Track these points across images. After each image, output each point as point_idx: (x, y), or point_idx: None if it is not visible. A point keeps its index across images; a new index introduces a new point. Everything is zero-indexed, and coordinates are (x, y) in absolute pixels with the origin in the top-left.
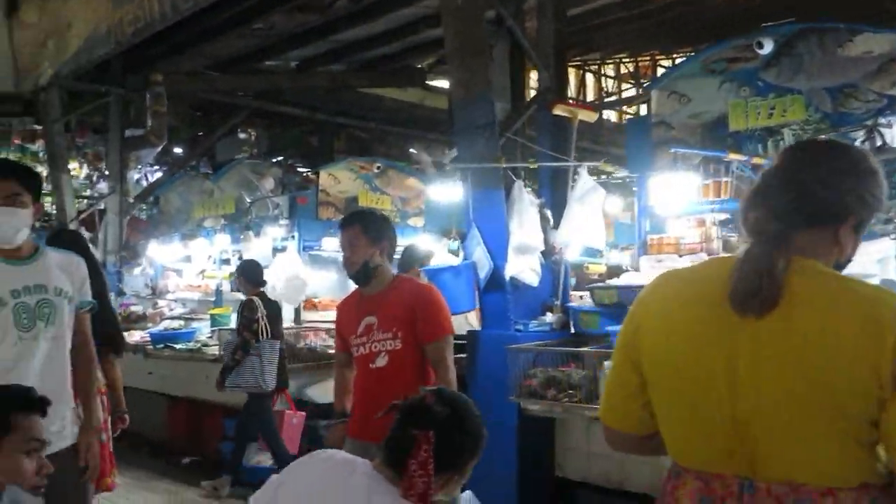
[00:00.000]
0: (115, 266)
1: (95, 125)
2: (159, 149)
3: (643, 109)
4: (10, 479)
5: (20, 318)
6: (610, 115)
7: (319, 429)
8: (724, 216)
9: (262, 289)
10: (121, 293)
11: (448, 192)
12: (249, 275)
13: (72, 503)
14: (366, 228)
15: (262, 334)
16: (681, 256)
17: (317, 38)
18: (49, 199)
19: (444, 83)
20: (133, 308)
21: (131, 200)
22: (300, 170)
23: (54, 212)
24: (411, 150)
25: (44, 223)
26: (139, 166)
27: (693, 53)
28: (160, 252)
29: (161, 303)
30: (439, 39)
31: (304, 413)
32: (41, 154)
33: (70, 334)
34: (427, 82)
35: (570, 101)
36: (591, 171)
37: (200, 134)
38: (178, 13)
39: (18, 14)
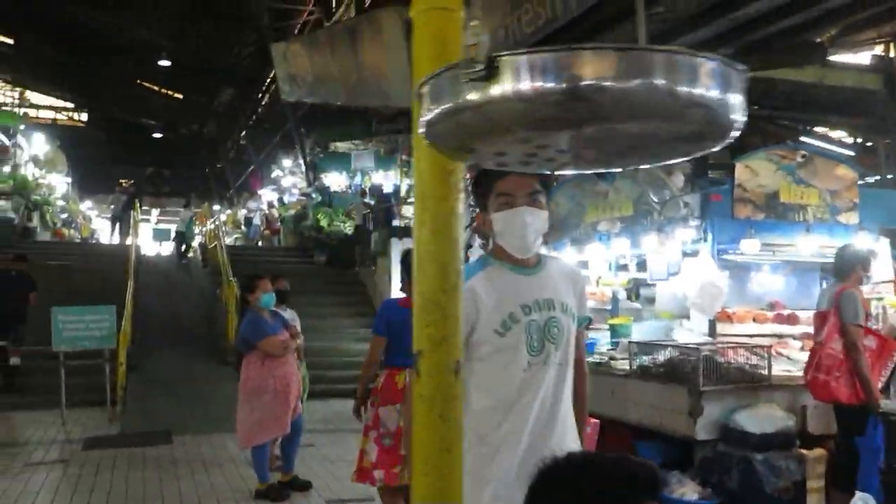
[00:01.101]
0: None
1: None
2: None
3: None
4: None
5: (531, 338)
6: None
7: (755, 462)
8: None
9: None
10: None
11: None
12: None
13: None
14: None
15: None
16: None
17: (717, 16)
18: None
19: (846, 57)
20: None
21: None
22: None
23: None
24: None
25: None
26: None
27: None
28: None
29: None
30: (845, 6)
31: (597, 421)
32: None
33: (573, 359)
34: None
35: None
36: None
37: None
38: (577, 9)
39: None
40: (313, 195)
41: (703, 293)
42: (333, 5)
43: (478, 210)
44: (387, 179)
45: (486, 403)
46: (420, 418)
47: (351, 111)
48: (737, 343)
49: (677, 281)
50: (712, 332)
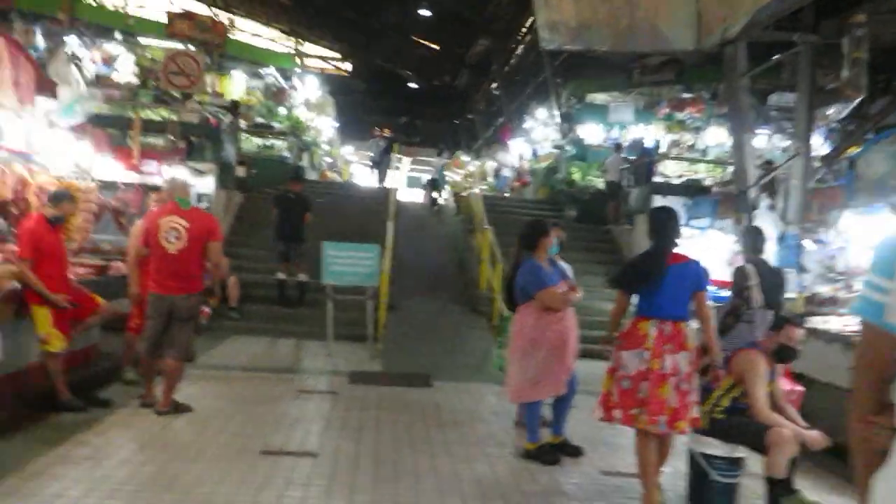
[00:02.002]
0: (796, 238)
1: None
2: (854, 104)
3: None
4: None
5: None
6: None
7: None
8: None
9: (761, 256)
10: (802, 269)
11: None
12: (751, 241)
13: None
14: None
15: (753, 301)
16: None
17: None
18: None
19: None
20: (819, 289)
21: (817, 164)
22: None
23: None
24: None
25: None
26: (824, 126)
27: None
28: (857, 224)
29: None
30: None
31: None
32: (687, 122)
33: None
34: None
35: None
36: None
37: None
38: None
39: None
40: (567, 148)
41: None
42: None
43: None
44: (646, 134)
45: None
46: None
47: (610, 62)
48: None
49: None
50: None
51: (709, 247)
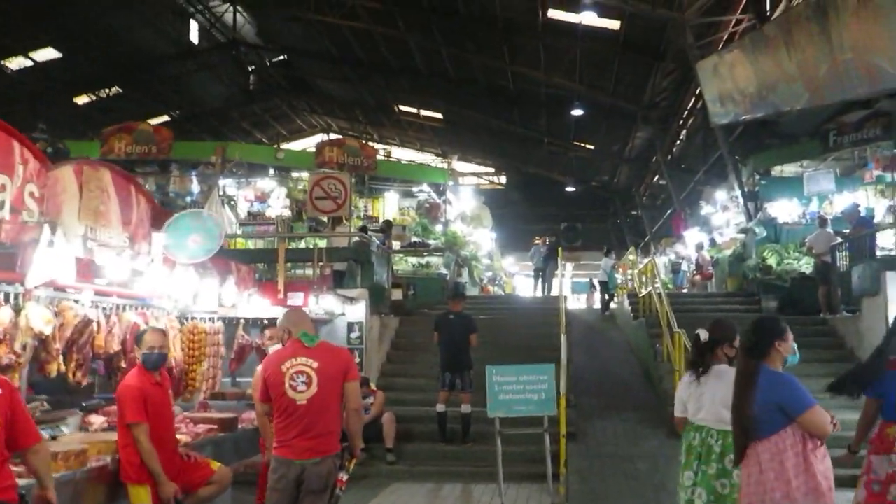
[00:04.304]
0: None
1: None
2: None
3: None
4: None
5: None
6: None
7: None
8: None
9: None
10: None
11: None
12: None
13: None
14: None
15: None
16: None
17: None
18: None
19: None
20: None
21: None
22: None
23: None
24: None
25: None
26: None
27: None
28: None
29: None
30: None
31: None
32: None
33: None
34: None
35: None
36: None
37: None
38: None
39: None
40: (756, 230)
41: None
42: (768, 6)
43: None
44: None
45: None
46: None
47: (796, 128)
48: None
49: None
50: None
51: None
